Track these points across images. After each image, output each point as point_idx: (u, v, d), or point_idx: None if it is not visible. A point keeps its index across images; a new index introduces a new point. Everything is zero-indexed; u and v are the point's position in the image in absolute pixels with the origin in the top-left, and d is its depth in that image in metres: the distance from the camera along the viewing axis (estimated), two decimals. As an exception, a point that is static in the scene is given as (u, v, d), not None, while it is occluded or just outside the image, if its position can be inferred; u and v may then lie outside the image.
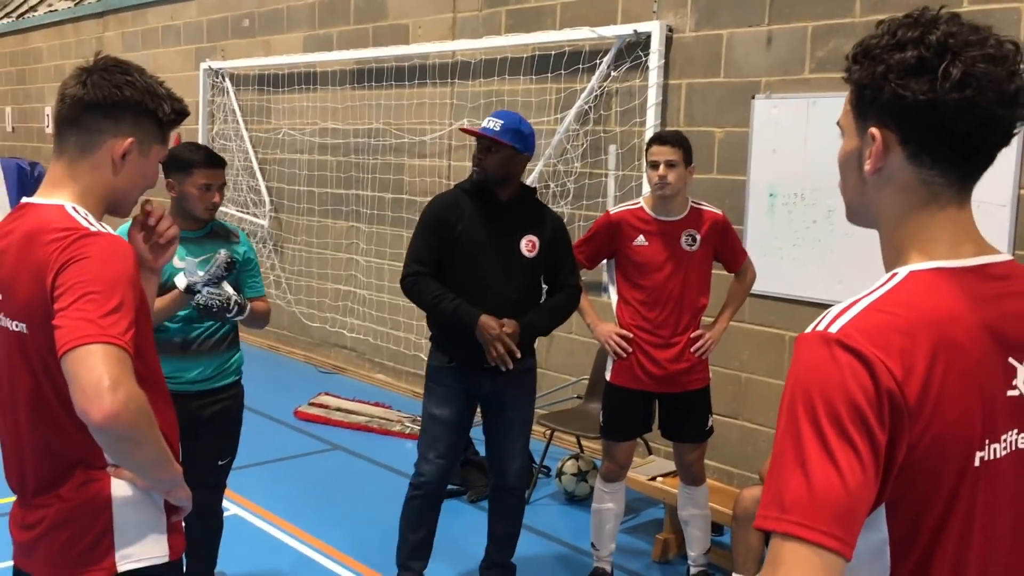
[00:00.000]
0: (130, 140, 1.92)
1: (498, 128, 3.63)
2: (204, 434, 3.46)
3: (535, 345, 3.98)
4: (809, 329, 1.21)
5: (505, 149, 3.63)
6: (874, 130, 1.25)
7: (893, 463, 1.15)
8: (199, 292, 3.22)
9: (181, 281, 3.22)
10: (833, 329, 1.17)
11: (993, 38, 1.20)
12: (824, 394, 1.13)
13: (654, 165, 3.84)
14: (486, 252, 3.66)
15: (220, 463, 3.62)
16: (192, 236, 3.43)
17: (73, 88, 1.91)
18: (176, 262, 3.25)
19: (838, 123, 1.34)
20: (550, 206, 6.12)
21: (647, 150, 3.91)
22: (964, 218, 1.28)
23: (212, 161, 3.42)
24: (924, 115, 1.20)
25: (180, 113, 2.00)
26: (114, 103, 1.90)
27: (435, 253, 3.68)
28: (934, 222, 1.26)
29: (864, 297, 1.22)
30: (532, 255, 3.74)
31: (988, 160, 1.26)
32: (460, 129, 3.58)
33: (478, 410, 3.95)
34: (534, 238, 3.73)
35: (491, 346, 3.59)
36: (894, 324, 1.17)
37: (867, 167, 1.27)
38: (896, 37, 1.22)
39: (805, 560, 1.09)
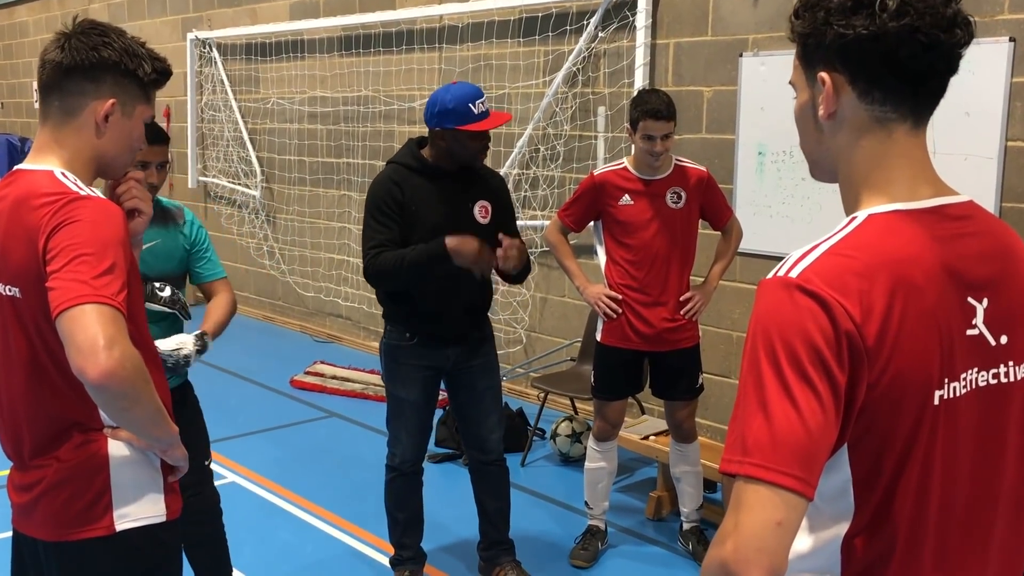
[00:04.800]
0: (111, 101, 1.92)
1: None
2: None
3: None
4: (771, 274, 1.23)
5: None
6: (823, 74, 1.27)
7: (853, 404, 1.17)
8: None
9: None
10: (793, 274, 1.19)
11: None
12: (784, 337, 1.15)
13: (650, 139, 3.76)
14: (444, 227, 3.43)
15: (206, 463, 3.30)
16: None
17: (52, 53, 1.92)
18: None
19: (790, 82, 1.36)
20: (540, 170, 6.17)
21: (639, 123, 3.76)
22: (920, 157, 1.30)
23: (150, 136, 2.83)
24: (868, 49, 1.22)
25: (162, 73, 2.00)
26: (92, 65, 1.90)
27: (394, 235, 3.46)
28: (889, 161, 1.28)
29: (824, 241, 1.25)
30: (487, 221, 3.57)
31: (937, 90, 1.28)
32: (488, 127, 3.43)
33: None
34: (486, 203, 3.58)
35: (474, 262, 3.37)
36: (852, 267, 1.19)
37: (820, 112, 1.29)
38: None
39: (766, 500, 1.11)
